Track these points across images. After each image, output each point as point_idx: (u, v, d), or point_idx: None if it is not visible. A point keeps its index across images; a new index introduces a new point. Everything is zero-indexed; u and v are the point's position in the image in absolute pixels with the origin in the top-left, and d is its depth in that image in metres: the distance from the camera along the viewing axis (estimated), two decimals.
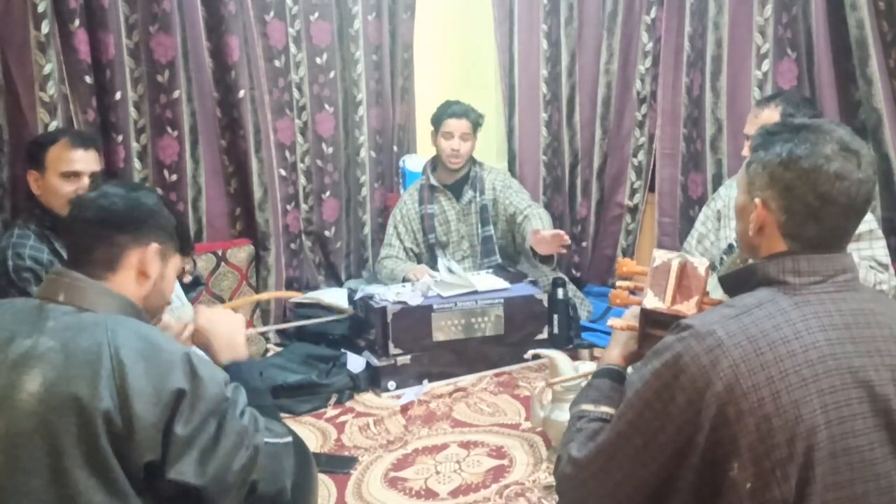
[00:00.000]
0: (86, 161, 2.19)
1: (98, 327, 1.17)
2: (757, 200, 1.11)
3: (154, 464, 1.14)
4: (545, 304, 2.88)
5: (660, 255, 1.34)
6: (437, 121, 3.17)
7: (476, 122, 3.17)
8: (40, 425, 1.10)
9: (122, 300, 1.27)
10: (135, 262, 1.31)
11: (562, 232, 2.72)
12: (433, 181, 3.23)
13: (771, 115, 2.32)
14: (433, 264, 3.16)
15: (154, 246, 1.33)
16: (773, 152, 1.11)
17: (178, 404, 1.14)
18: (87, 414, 1.09)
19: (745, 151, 2.40)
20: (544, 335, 2.88)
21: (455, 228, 3.24)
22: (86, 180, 2.17)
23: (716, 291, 1.33)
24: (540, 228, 2.84)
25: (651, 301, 1.30)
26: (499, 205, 3.19)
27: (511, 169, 3.61)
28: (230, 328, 1.56)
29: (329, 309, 2.91)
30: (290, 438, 1.35)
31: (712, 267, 2.38)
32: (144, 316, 1.31)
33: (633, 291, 1.39)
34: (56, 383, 1.11)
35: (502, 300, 2.81)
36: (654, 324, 1.31)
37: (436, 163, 3.24)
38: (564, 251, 2.81)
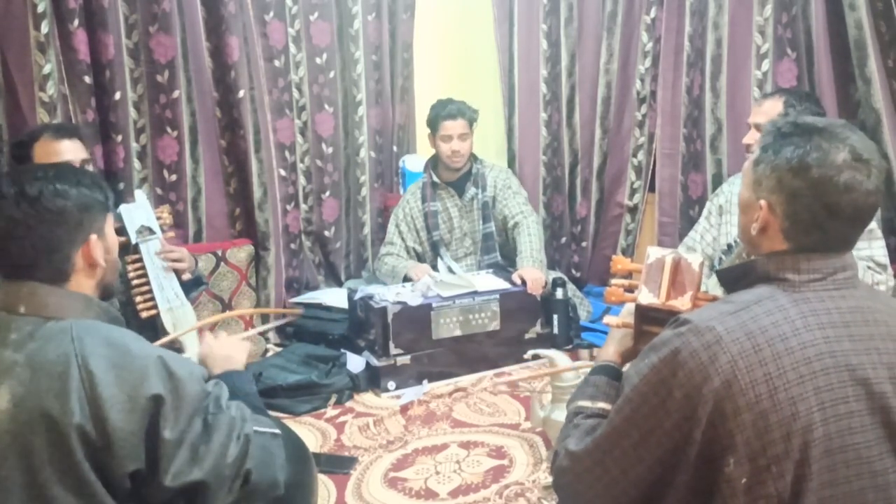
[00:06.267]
0: (74, 150, 2.16)
1: (64, 336, 1.12)
2: (762, 202, 1.10)
3: (140, 473, 1.11)
4: (538, 297, 2.91)
5: (654, 252, 1.34)
6: (433, 124, 3.16)
7: (472, 119, 3.16)
8: (14, 443, 1.06)
9: (87, 300, 1.22)
10: (82, 261, 1.23)
11: (536, 290, 2.89)
12: (435, 179, 3.23)
13: (774, 104, 2.31)
14: (435, 262, 3.16)
15: (93, 238, 1.24)
16: (784, 156, 1.08)
17: (159, 410, 1.11)
18: (59, 430, 1.06)
19: (748, 139, 2.39)
20: (538, 328, 2.91)
21: (458, 226, 3.24)
22: None
23: (716, 290, 1.33)
24: (521, 270, 2.95)
25: (645, 297, 1.30)
26: (497, 203, 3.20)
27: (511, 168, 3.61)
28: (230, 349, 1.54)
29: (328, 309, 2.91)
30: (278, 430, 1.33)
31: (712, 266, 2.38)
32: (112, 311, 1.26)
33: (628, 289, 1.39)
34: (25, 399, 1.07)
35: (498, 294, 2.84)
36: (649, 320, 1.31)
37: (436, 161, 3.24)
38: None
